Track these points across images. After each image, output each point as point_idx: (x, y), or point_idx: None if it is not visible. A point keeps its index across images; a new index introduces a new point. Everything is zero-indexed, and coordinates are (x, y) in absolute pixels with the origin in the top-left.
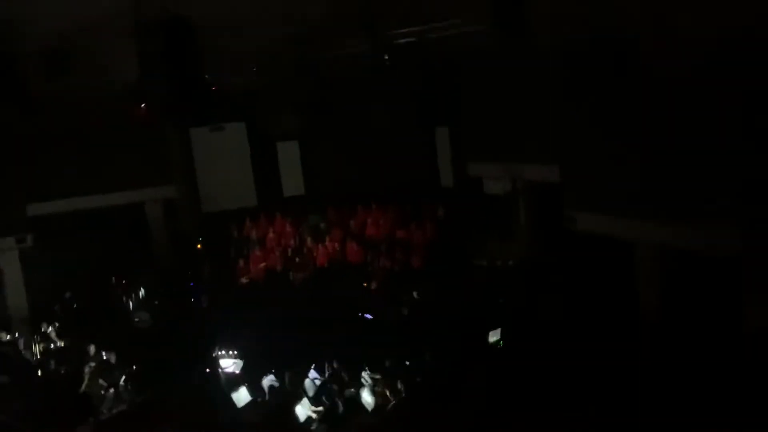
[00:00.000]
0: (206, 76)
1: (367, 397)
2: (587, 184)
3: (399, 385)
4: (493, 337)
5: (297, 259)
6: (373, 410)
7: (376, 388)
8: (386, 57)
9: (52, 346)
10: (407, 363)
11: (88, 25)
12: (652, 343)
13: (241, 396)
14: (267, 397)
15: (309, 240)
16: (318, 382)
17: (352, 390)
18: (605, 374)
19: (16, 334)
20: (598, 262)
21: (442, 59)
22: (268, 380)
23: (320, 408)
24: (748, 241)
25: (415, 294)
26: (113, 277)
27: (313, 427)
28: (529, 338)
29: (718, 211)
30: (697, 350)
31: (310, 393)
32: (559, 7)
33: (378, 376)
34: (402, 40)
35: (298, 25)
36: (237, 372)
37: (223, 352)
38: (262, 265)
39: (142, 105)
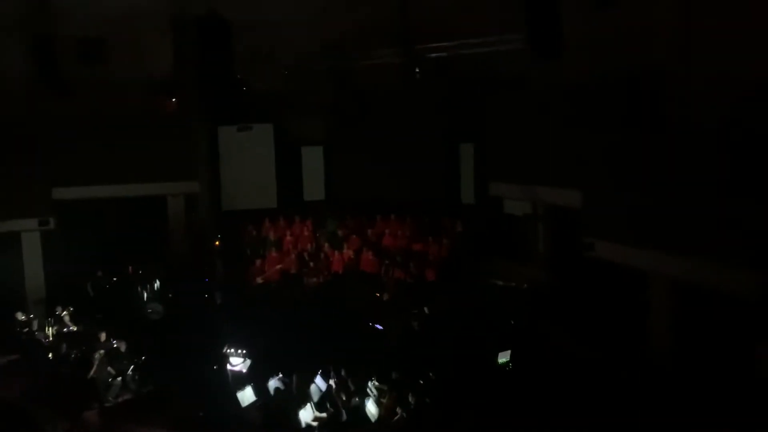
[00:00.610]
0: (238, 75)
1: (371, 408)
2: (607, 212)
3: (410, 398)
4: (503, 358)
5: (312, 264)
6: (376, 421)
7: (382, 400)
8: (417, 70)
9: (65, 329)
10: (415, 378)
11: (126, 16)
12: (657, 378)
13: (246, 395)
14: (271, 398)
15: (326, 246)
16: (324, 388)
17: (357, 399)
18: (609, 401)
19: (31, 315)
20: (613, 291)
21: (472, 76)
22: (273, 382)
23: (323, 414)
24: (764, 283)
25: (426, 309)
26: (129, 267)
27: None
28: (537, 362)
29: (737, 251)
30: (704, 388)
31: (315, 399)
32: (595, 36)
33: (384, 388)
34: (434, 55)
35: (334, 33)
36: (244, 371)
37: (233, 350)
38: (278, 267)
39: (173, 99)
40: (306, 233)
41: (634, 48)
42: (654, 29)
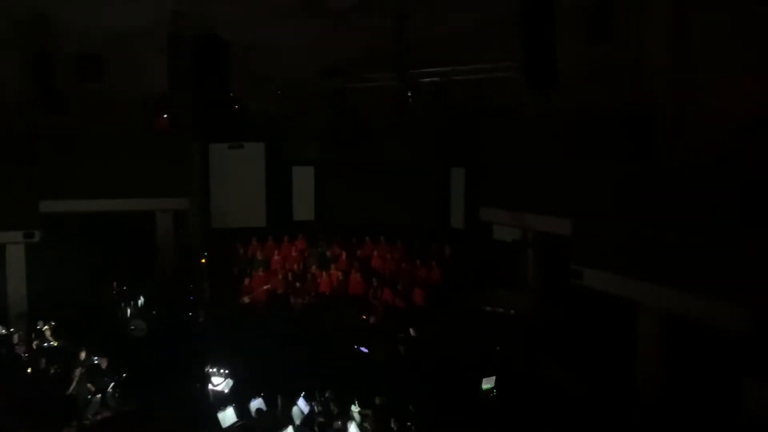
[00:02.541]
0: (231, 94)
1: None
2: (597, 241)
3: (393, 424)
4: (487, 384)
5: (298, 285)
6: None
7: (364, 424)
8: (409, 94)
9: (45, 344)
10: (399, 403)
11: (124, 34)
12: (645, 410)
13: (227, 416)
14: (253, 420)
15: (314, 267)
16: (306, 411)
17: (339, 423)
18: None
19: (11, 329)
20: (601, 321)
21: (465, 101)
22: (255, 403)
23: None
24: (753, 320)
25: (411, 331)
26: (114, 283)
27: None
28: (521, 389)
29: (726, 283)
30: (693, 422)
31: (297, 421)
32: (588, 69)
33: (367, 412)
34: (428, 80)
35: (329, 57)
36: (226, 391)
37: (215, 369)
38: (265, 287)
39: (166, 116)
40: (294, 253)
41: (627, 82)
42: (647, 64)
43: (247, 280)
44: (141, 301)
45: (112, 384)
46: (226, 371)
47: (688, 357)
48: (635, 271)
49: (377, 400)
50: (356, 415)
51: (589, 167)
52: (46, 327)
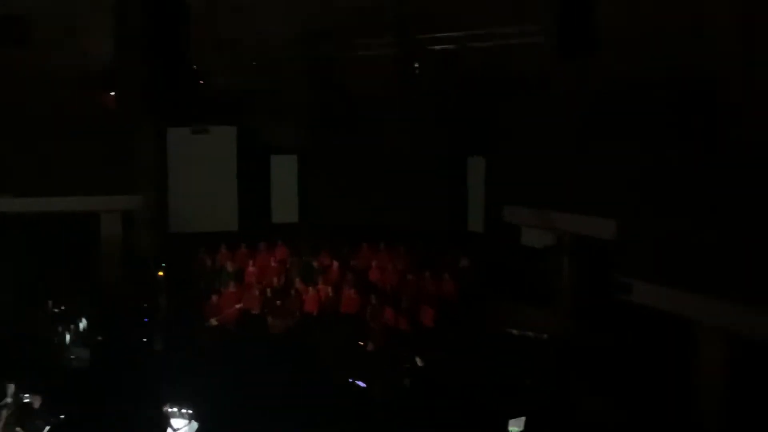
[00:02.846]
0: (194, 66)
1: None
2: (648, 246)
3: None
4: (514, 427)
5: (279, 303)
6: None
7: None
8: (416, 65)
9: None
10: None
11: None
12: None
13: None
14: None
15: (298, 280)
16: None
17: None
18: None
19: None
20: (654, 344)
21: (483, 74)
22: None
23: None
24: None
25: (418, 360)
26: (49, 302)
27: None
28: None
29: None
30: None
31: None
32: (632, 32)
33: None
34: (437, 47)
35: (315, 18)
36: None
37: (175, 409)
38: (238, 306)
39: (111, 92)
40: (273, 264)
41: (681, 47)
42: (705, 24)
43: (214, 298)
44: (83, 324)
45: (47, 428)
46: (189, 411)
47: (758, 384)
48: (696, 284)
49: None
50: None
51: (638, 154)
52: None
